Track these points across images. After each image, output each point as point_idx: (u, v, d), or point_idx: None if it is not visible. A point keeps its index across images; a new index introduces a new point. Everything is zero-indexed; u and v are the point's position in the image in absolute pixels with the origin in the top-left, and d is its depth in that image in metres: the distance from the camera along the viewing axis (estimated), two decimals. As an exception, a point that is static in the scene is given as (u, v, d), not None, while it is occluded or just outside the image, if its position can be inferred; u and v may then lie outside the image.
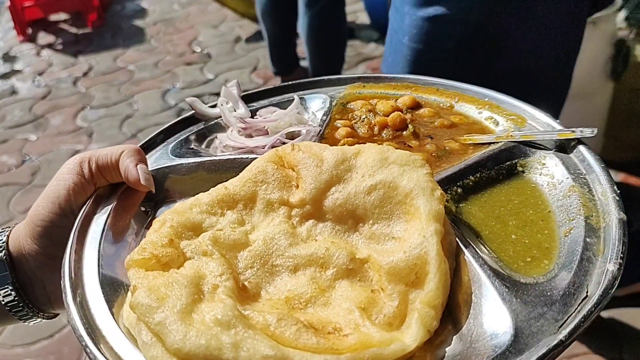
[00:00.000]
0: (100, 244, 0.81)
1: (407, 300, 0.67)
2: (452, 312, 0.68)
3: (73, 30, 6.43)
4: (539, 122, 0.92)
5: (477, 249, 0.71)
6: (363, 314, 0.65)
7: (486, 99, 1.00)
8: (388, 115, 0.97)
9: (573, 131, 0.86)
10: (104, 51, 5.80)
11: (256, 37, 5.51)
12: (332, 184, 0.78)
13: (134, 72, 5.30)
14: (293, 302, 0.69)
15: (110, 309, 0.72)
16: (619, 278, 0.65)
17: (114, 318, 0.71)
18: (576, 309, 0.62)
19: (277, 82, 4.57)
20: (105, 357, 0.65)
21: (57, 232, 0.83)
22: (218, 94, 1.03)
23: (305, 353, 0.59)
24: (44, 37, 6.32)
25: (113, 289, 0.75)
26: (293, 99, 1.06)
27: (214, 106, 1.06)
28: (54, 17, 6.65)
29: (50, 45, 6.11)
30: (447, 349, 0.64)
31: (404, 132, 0.95)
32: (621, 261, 0.66)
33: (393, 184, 0.75)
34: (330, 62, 3.98)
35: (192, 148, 1.00)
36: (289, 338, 0.61)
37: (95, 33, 6.28)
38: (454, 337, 0.65)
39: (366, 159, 0.78)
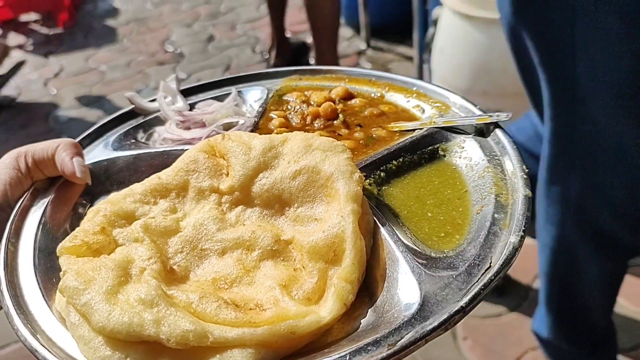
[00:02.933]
0: (36, 236, 0.83)
1: (326, 277, 0.71)
2: (369, 286, 0.73)
3: (44, 30, 6.32)
4: (461, 108, 0.97)
5: (393, 228, 0.76)
6: (283, 290, 0.69)
7: (414, 88, 1.05)
8: (320, 106, 1.01)
9: (490, 115, 0.91)
10: (76, 52, 5.71)
11: (230, 36, 5.50)
12: (259, 170, 0.81)
13: (106, 73, 5.24)
14: (219, 283, 0.72)
15: (44, 296, 0.75)
16: (520, 249, 0.70)
17: (48, 305, 0.73)
18: (479, 278, 0.67)
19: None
20: (36, 339, 0.67)
21: None
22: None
23: (225, 327, 0.63)
24: (14, 38, 6.19)
25: (48, 277, 0.78)
26: (231, 92, 1.09)
27: (154, 100, 1.08)
28: (24, 18, 6.52)
29: (20, 46, 6.00)
30: (362, 321, 0.69)
31: (335, 122, 0.99)
32: (523, 233, 0.71)
33: (316, 168, 0.79)
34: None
35: (132, 142, 1.03)
36: (210, 314, 0.65)
37: (66, 33, 6.18)
38: (370, 309, 0.70)
39: (292, 146, 0.82)
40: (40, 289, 0.75)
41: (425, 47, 3.15)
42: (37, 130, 4.50)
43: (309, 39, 4.70)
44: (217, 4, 6.34)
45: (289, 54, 4.53)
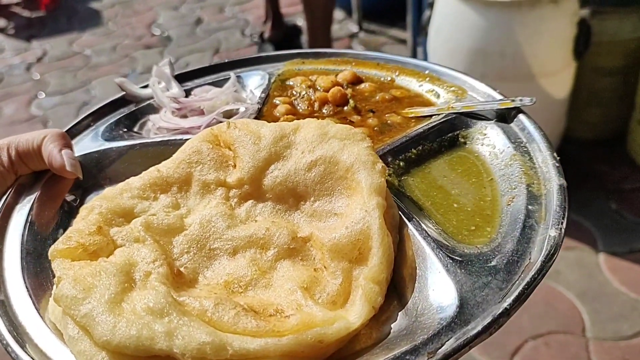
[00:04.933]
0: (23, 237, 0.75)
1: (350, 277, 0.65)
2: (397, 286, 0.67)
3: (26, 13, 6.10)
4: (479, 92, 0.91)
5: (420, 222, 0.70)
6: (305, 293, 0.63)
7: (427, 72, 0.98)
8: (328, 91, 0.94)
9: (513, 100, 0.85)
10: (59, 35, 5.52)
11: (218, 19, 5.37)
12: (271, 161, 0.75)
13: (91, 57, 5.08)
14: (232, 286, 0.66)
15: (36, 305, 0.67)
16: (561, 243, 0.65)
17: (40, 314, 0.66)
18: (519, 276, 0.62)
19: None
20: (29, 355, 0.60)
21: None
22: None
23: (245, 337, 0.56)
24: (-5, 21, 5.99)
25: (38, 283, 0.70)
26: (229, 77, 1.01)
27: (146, 87, 1.00)
28: (5, 0, 6.30)
29: (1, 30, 5.79)
30: (392, 325, 0.63)
31: (345, 108, 0.93)
32: (562, 226, 0.66)
33: (333, 159, 0.72)
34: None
35: (124, 131, 0.95)
36: (227, 323, 0.58)
37: (49, 16, 5.98)
38: (400, 312, 0.64)
39: (305, 135, 0.75)
40: (30, 296, 0.68)
41: (420, 30, 3.09)
42: (20, 117, 4.34)
43: (300, 22, 4.62)
44: (204, -14, 6.19)
45: (283, 31, 4.45)
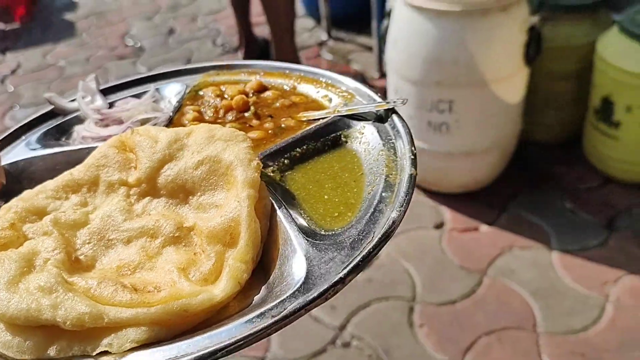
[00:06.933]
0: (-49, 235, 0.86)
1: (223, 259, 0.76)
2: (265, 266, 0.78)
3: (0, 26, 6.22)
4: (364, 96, 1.03)
5: (289, 211, 0.81)
6: (181, 272, 0.74)
7: (323, 79, 1.10)
8: (233, 99, 1.06)
9: (388, 102, 0.97)
10: (33, 47, 5.58)
11: (190, 29, 5.48)
12: (165, 162, 0.86)
13: (65, 68, 5.15)
14: (122, 270, 0.77)
15: None
16: (399, 223, 0.76)
17: None
18: (360, 251, 0.73)
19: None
20: None
21: None
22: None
23: (120, 308, 0.68)
24: (-32, 35, 6.08)
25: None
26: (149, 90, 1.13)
27: (74, 100, 1.12)
28: None
29: None
30: (255, 297, 0.74)
31: (247, 114, 1.04)
32: (403, 209, 0.77)
33: (217, 158, 0.84)
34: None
35: (52, 142, 1.06)
36: (107, 297, 0.69)
37: (23, 28, 6.04)
38: (263, 286, 0.75)
39: (196, 138, 0.87)
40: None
41: (380, 39, 3.18)
42: (-6, 129, 4.43)
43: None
44: (178, -4, 6.29)
45: (257, 52, 4.55)
